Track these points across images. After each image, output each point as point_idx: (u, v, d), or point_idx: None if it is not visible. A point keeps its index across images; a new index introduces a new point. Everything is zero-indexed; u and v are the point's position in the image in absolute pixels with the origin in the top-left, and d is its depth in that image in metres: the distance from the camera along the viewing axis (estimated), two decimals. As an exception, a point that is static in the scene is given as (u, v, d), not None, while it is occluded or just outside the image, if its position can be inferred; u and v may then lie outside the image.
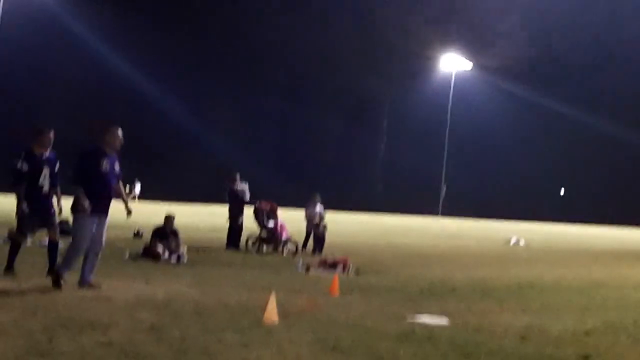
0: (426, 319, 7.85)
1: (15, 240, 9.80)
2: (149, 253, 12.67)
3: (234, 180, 16.88)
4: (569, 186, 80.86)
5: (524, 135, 77.82)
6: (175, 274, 10.69)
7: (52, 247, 9.70)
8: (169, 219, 13.50)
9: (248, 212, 16.89)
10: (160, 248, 12.64)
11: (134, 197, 53.70)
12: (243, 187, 16.78)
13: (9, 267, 9.51)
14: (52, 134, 9.55)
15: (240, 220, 16.63)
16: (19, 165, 9.25)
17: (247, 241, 16.50)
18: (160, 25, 65.87)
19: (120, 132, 8.89)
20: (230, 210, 16.70)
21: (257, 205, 16.80)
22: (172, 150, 66.41)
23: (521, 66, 75.64)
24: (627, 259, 21.26)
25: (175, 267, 11.75)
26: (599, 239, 36.02)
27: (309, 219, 17.23)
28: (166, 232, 13.15)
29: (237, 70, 70.91)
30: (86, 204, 8.42)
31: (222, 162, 55.75)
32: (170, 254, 12.64)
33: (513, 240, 26.38)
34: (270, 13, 71.39)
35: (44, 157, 9.46)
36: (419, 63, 75.23)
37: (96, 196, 8.56)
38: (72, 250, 8.67)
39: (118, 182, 8.97)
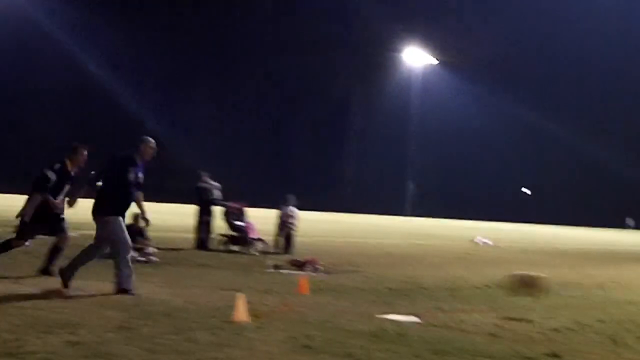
0: (397, 317, 7.90)
1: (11, 243, 9.85)
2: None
3: (203, 180, 16.78)
4: (536, 186, 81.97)
5: (490, 134, 78.49)
6: (144, 274, 10.57)
7: (57, 250, 9.88)
8: (136, 218, 13.35)
9: (217, 212, 16.80)
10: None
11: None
12: (212, 187, 16.68)
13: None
14: (85, 153, 9.88)
15: (209, 220, 16.53)
16: (49, 174, 9.56)
17: (216, 241, 16.42)
18: (135, 23, 65.63)
19: (154, 144, 9.14)
20: (198, 210, 16.59)
21: (226, 206, 16.73)
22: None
23: (486, 64, 76.34)
24: (593, 260, 21.65)
25: (144, 267, 11.63)
26: (565, 239, 36.61)
27: (282, 219, 17.21)
28: (133, 230, 13.00)
29: (209, 70, 70.81)
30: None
31: (191, 162, 55.57)
32: (139, 253, 12.52)
33: (480, 240, 26.65)
34: (241, 11, 71.41)
35: (72, 174, 9.79)
36: (383, 58, 75.47)
37: (120, 201, 8.67)
38: (124, 253, 8.63)
39: (139, 191, 9.01)
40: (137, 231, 13.04)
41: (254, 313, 7.30)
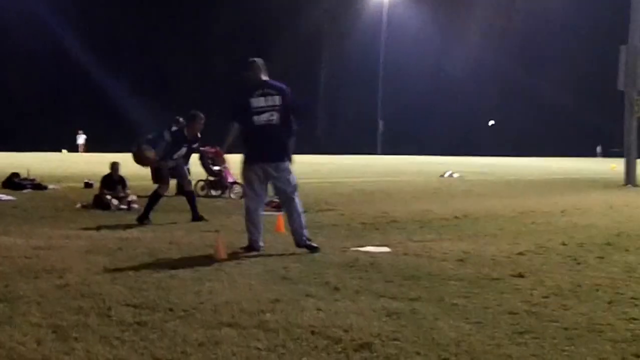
0: (369, 248, 8.27)
1: (158, 192, 11.01)
2: (99, 202, 12.75)
3: (178, 124, 16.82)
4: (501, 118, 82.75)
5: (455, 69, 78.62)
6: (126, 221, 10.85)
7: (189, 196, 11.37)
8: (114, 167, 13.53)
9: (194, 158, 16.94)
10: (109, 196, 12.73)
11: (78, 148, 53.81)
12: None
13: (146, 216, 10.75)
14: (202, 121, 11.13)
15: (188, 166, 16.64)
16: (164, 134, 11.20)
17: (195, 186, 16.61)
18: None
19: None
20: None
21: (201, 151, 16.85)
22: (116, 100, 65.49)
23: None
24: (556, 187, 22.25)
25: (126, 214, 11.89)
26: (534, 170, 37.26)
27: None
28: (114, 180, 13.21)
29: (178, 14, 69.70)
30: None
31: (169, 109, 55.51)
32: (120, 201, 12.75)
33: (448, 174, 27.14)
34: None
35: (189, 139, 11.23)
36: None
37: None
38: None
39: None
40: (118, 180, 13.25)
41: (233, 251, 7.64)
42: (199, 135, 11.43)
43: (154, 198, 10.95)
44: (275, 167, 7.84)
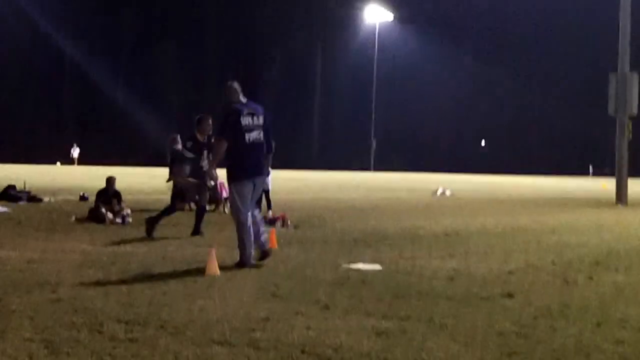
0: (360, 265, 8.31)
1: (174, 207, 11.33)
2: (94, 216, 12.78)
3: (176, 141, 16.84)
4: (493, 138, 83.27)
5: (448, 88, 79.26)
6: (120, 235, 10.88)
7: (202, 211, 11.37)
8: (110, 182, 13.57)
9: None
10: (104, 210, 12.76)
11: (72, 161, 53.99)
12: (183, 148, 16.76)
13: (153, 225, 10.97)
14: (210, 122, 11.27)
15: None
16: (186, 154, 11.35)
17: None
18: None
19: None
20: (171, 171, 16.63)
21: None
22: (110, 114, 65.70)
23: (442, 18, 76.67)
24: (548, 206, 22.34)
25: (120, 228, 11.91)
26: (522, 187, 37.40)
27: None
28: (109, 194, 13.25)
29: (173, 29, 69.95)
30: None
31: (162, 124, 55.81)
32: (115, 215, 12.78)
33: (440, 191, 27.22)
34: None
35: (203, 142, 11.26)
36: (345, 15, 75.28)
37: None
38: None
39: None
40: (113, 194, 13.29)
41: (225, 267, 7.68)
42: (210, 134, 11.49)
43: (201, 212, 11.33)
44: (261, 180, 8.48)
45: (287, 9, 73.33)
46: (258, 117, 8.28)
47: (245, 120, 8.16)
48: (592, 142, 73.97)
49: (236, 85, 8.41)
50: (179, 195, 11.45)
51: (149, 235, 10.68)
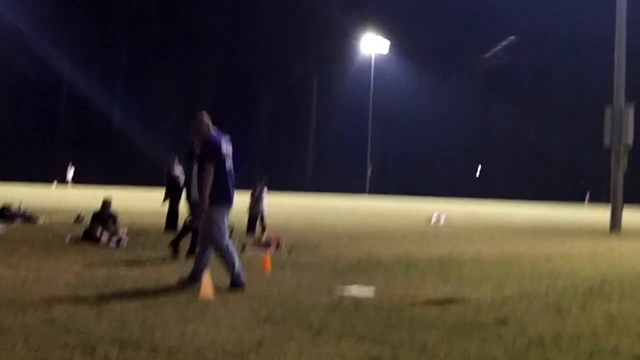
0: (354, 291, 8.32)
1: (189, 226, 11.33)
2: (89, 237, 12.78)
3: (173, 164, 16.87)
4: (487, 165, 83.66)
5: (442, 117, 79.88)
6: (115, 256, 10.88)
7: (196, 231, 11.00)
8: (106, 204, 13.58)
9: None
10: (99, 232, 12.75)
11: (67, 182, 53.99)
12: (180, 171, 16.76)
13: (175, 249, 11.24)
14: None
15: (178, 203, 16.59)
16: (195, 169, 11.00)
17: (185, 223, 16.54)
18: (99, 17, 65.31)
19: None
20: (168, 193, 16.62)
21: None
22: (105, 135, 65.86)
23: (436, 48, 77.40)
24: (542, 234, 22.35)
25: (115, 250, 11.91)
26: (515, 216, 37.43)
27: (256, 199, 17.35)
28: (105, 216, 13.26)
29: (170, 55, 70.44)
30: None
31: (158, 147, 55.92)
32: (110, 237, 12.77)
33: (434, 218, 27.21)
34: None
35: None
36: (341, 44, 76.11)
37: None
38: None
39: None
40: (108, 217, 13.30)
41: (219, 290, 7.68)
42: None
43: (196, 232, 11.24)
44: (231, 208, 8.49)
45: (283, 37, 73.97)
46: (229, 146, 8.53)
47: (224, 148, 8.37)
48: (587, 171, 74.20)
49: (207, 117, 8.59)
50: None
51: (174, 256, 11.07)
